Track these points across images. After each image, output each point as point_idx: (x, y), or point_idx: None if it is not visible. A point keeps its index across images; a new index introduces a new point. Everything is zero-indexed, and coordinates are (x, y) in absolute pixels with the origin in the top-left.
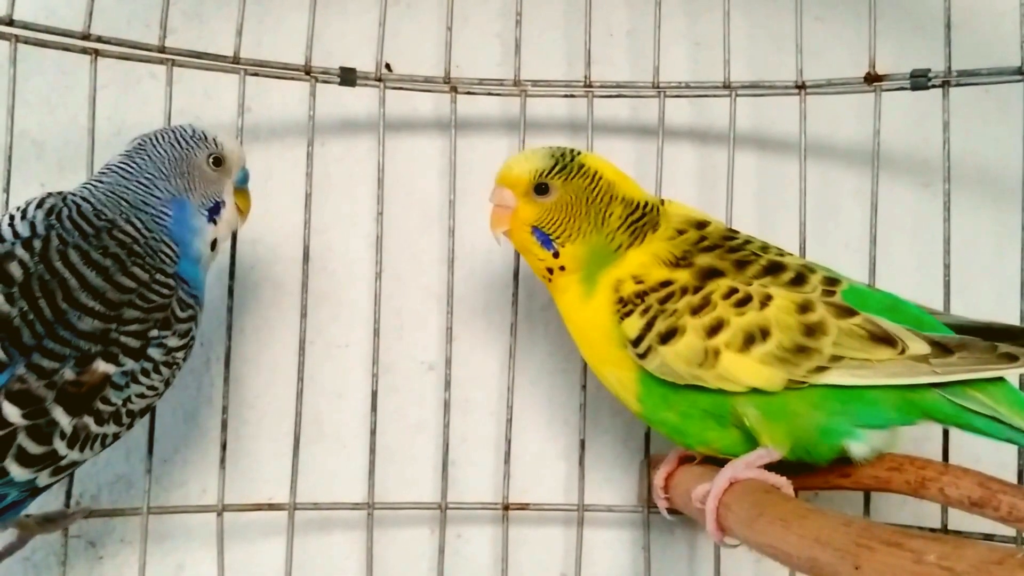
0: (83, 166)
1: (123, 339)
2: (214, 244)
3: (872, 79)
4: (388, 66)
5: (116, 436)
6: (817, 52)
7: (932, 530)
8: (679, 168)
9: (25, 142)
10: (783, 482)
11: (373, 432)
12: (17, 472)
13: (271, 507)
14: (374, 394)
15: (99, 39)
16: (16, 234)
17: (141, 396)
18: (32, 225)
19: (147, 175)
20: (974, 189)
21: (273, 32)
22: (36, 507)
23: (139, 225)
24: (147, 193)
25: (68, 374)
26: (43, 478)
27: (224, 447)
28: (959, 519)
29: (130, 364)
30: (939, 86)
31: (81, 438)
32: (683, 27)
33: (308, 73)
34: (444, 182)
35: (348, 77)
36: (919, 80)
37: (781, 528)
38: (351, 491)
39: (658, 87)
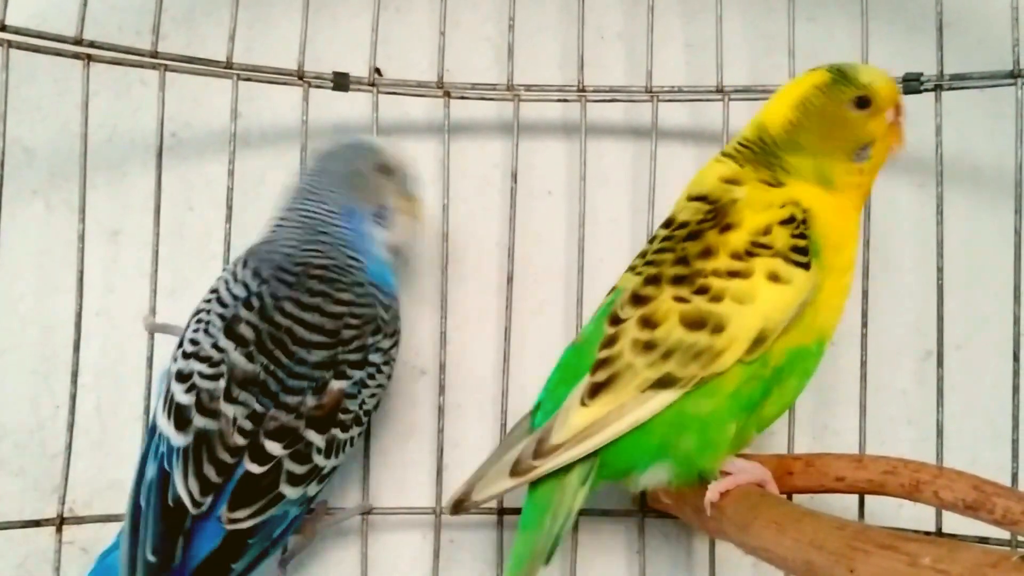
0: (75, 173)
1: (347, 355)
2: (394, 249)
3: None
4: (378, 71)
5: (360, 434)
6: (810, 54)
7: (927, 533)
8: (673, 171)
9: (16, 149)
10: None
11: (367, 437)
12: (291, 492)
13: None
14: None
15: (91, 44)
16: (235, 296)
17: (372, 396)
18: (246, 286)
19: (322, 192)
20: (968, 191)
21: (264, 37)
22: None
23: (326, 249)
24: (326, 210)
25: (310, 401)
26: (312, 488)
27: None
28: (954, 522)
29: (357, 375)
30: (931, 90)
31: (334, 447)
32: (676, 29)
33: (301, 78)
34: (437, 187)
35: (341, 82)
36: (911, 84)
37: (776, 532)
38: (346, 497)
39: (651, 91)
